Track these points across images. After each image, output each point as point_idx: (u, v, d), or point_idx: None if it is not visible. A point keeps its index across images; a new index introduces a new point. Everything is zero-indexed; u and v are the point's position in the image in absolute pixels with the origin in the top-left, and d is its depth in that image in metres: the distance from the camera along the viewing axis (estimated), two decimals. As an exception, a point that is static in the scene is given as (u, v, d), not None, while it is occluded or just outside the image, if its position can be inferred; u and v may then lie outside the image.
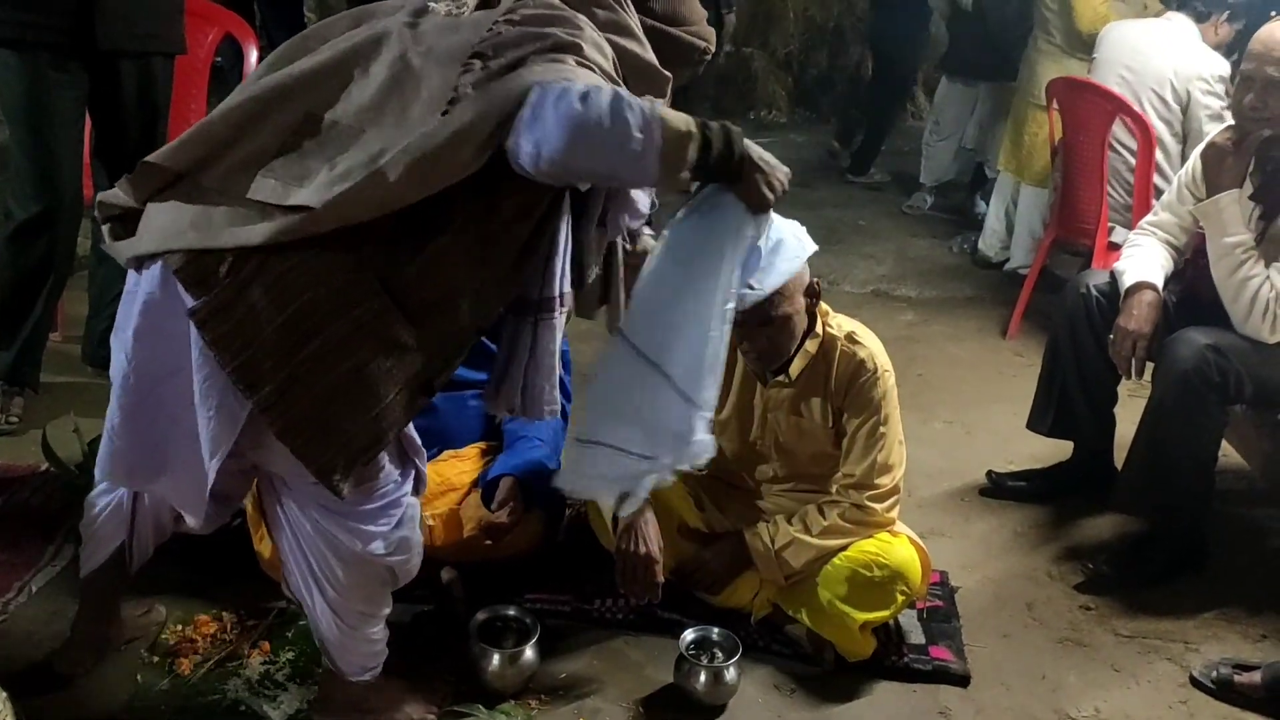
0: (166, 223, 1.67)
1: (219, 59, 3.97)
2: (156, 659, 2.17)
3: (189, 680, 2.12)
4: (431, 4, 1.77)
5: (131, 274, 1.76)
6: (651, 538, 2.23)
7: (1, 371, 2.94)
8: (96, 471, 1.94)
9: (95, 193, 2.98)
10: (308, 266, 1.62)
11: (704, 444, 1.76)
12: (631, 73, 1.77)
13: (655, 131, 1.57)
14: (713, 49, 1.92)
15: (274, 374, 1.62)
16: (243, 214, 1.63)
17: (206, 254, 1.63)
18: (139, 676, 2.13)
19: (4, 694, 1.83)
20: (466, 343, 1.82)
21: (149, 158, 1.71)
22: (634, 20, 1.80)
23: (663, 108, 1.63)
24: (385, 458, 1.80)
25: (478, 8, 1.75)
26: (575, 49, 1.67)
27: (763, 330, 2.22)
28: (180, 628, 2.24)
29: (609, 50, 1.74)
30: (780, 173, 1.74)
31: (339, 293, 1.63)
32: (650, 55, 1.80)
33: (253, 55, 3.51)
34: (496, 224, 1.70)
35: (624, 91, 1.62)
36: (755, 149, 1.70)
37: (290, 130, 1.67)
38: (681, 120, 1.62)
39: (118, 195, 1.76)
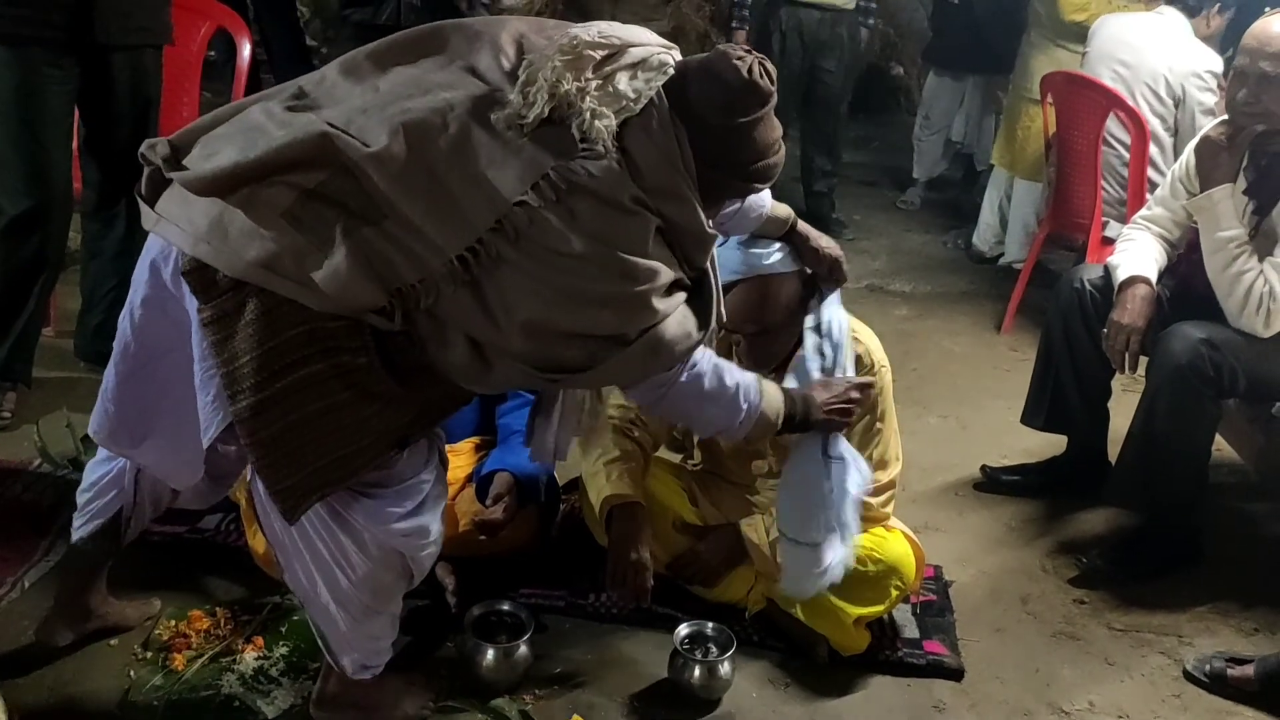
0: (184, 216, 1.65)
1: (212, 53, 3.97)
2: (150, 654, 2.17)
3: (183, 675, 2.12)
4: (500, 94, 1.66)
5: (153, 236, 1.75)
6: (643, 544, 2.22)
7: (-6, 367, 2.93)
8: (90, 429, 1.98)
9: (84, 188, 2.99)
10: (303, 305, 1.62)
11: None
12: (677, 235, 1.72)
13: (753, 420, 1.96)
14: (775, 178, 1.83)
15: (252, 393, 1.63)
16: (259, 239, 1.61)
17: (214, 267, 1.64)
18: (132, 672, 2.12)
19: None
20: (453, 410, 1.84)
21: (178, 177, 1.66)
22: (686, 183, 1.70)
23: (765, 394, 1.97)
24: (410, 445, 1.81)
25: (536, 126, 1.64)
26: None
27: (759, 338, 2.23)
28: (174, 623, 2.23)
29: (652, 221, 1.67)
30: (840, 399, 2.11)
31: (329, 334, 1.63)
32: (697, 217, 1.71)
33: (245, 49, 3.51)
34: None
35: (737, 379, 1.92)
36: (821, 396, 2.09)
37: (323, 177, 1.62)
38: (774, 407, 1.99)
39: (158, 153, 1.72)
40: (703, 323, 1.78)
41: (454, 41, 1.74)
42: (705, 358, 1.87)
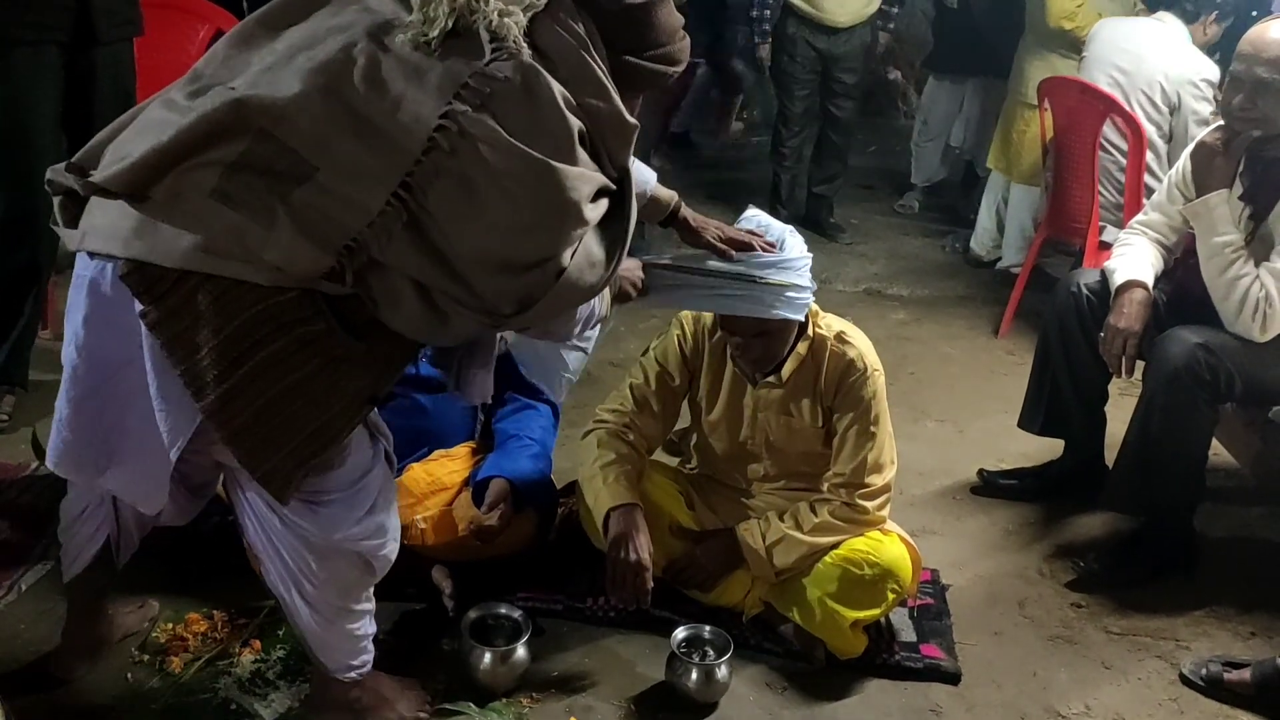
0: (110, 224, 1.62)
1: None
2: (147, 657, 2.17)
3: (180, 678, 2.12)
4: (398, 19, 1.64)
5: (81, 257, 1.71)
6: (642, 545, 2.23)
7: (-10, 370, 2.93)
8: (48, 462, 1.87)
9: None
10: (253, 284, 1.60)
11: None
12: (599, 127, 1.70)
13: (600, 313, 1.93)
14: (685, 64, 1.84)
15: (219, 383, 1.61)
16: (190, 232, 1.58)
17: (152, 263, 1.60)
18: (129, 675, 2.12)
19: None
20: (415, 355, 1.82)
21: (96, 178, 1.62)
22: (600, 67, 1.69)
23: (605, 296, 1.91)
24: (352, 443, 1.78)
25: (443, 40, 1.62)
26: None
27: (758, 340, 2.23)
28: (171, 626, 2.23)
29: (574, 123, 1.65)
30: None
31: (283, 309, 1.61)
32: (615, 104, 1.70)
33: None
34: None
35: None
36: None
37: (243, 146, 1.58)
38: (606, 302, 1.94)
39: (65, 177, 1.70)
40: (621, 234, 1.75)
41: None
42: None
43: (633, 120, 1.74)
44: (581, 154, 1.66)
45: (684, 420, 2.55)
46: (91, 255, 1.68)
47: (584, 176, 1.65)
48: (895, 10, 5.31)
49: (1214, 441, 2.79)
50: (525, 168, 1.60)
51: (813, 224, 5.25)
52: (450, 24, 1.59)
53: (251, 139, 1.57)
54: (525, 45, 1.62)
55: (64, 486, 2.00)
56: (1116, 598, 2.64)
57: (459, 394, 2.00)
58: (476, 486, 2.41)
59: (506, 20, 1.60)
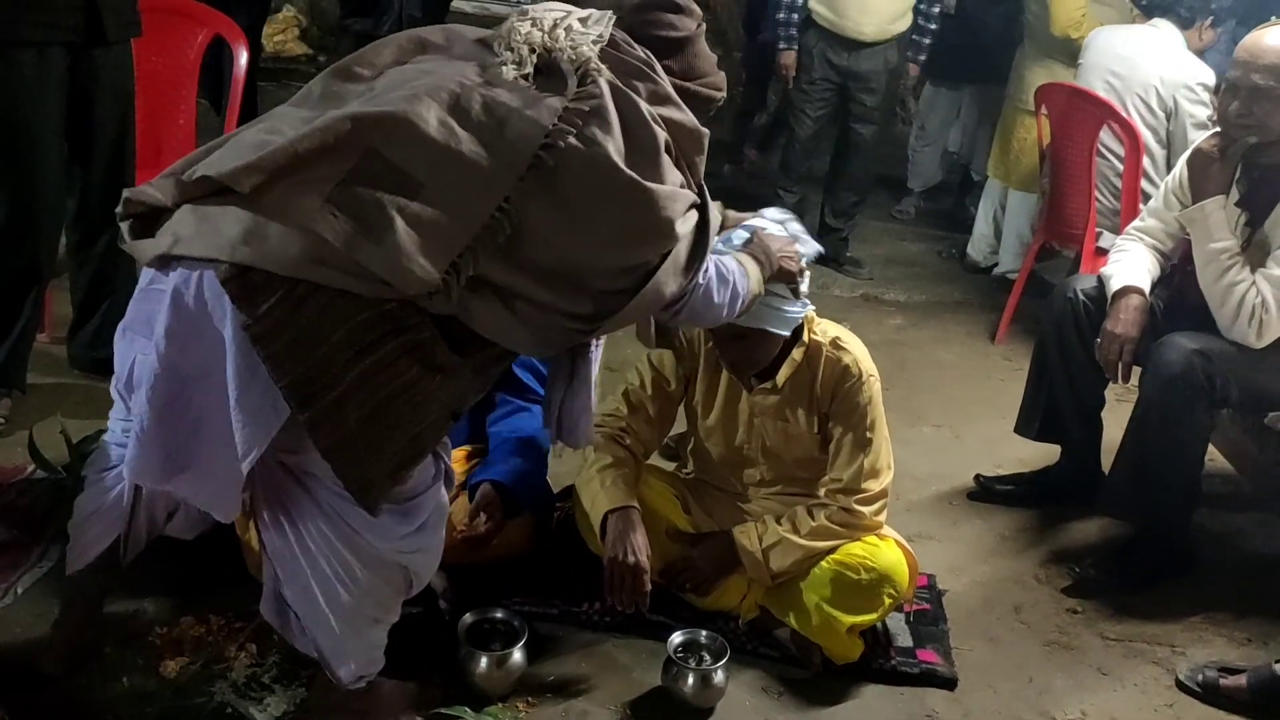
0: (214, 230, 1.63)
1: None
2: (142, 661, 2.16)
3: (175, 683, 2.11)
4: (497, 58, 1.78)
5: (151, 274, 1.73)
6: (640, 548, 2.23)
7: (-12, 373, 2.93)
8: (125, 471, 1.90)
9: (69, 195, 2.97)
10: (360, 294, 1.64)
11: None
12: (678, 138, 1.82)
13: (749, 297, 2.02)
14: (725, 94, 2.00)
15: (327, 392, 1.63)
16: (303, 234, 1.61)
17: (258, 269, 1.61)
18: (124, 679, 2.12)
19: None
20: (499, 371, 1.87)
21: (210, 172, 1.65)
22: (668, 85, 1.84)
23: (747, 269, 2.02)
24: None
25: (534, 75, 1.76)
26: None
27: (735, 344, 2.23)
28: (166, 630, 2.23)
29: (663, 134, 1.78)
30: (787, 247, 2.17)
31: (390, 317, 1.65)
32: (688, 115, 1.85)
33: (243, 57, 3.51)
34: None
35: (729, 268, 1.96)
36: (775, 244, 2.14)
37: (352, 163, 1.64)
38: (755, 274, 2.03)
39: (149, 193, 1.72)
40: (704, 242, 1.86)
41: (429, 41, 1.86)
42: (710, 261, 1.93)
43: (704, 129, 1.88)
44: (669, 164, 1.79)
45: (680, 425, 2.56)
46: (167, 264, 1.68)
47: (675, 195, 1.78)
48: (927, 42, 4.81)
49: (1210, 447, 2.80)
50: (622, 186, 1.71)
51: (827, 259, 4.77)
52: (534, 61, 1.74)
53: (361, 157, 1.64)
54: (605, 69, 1.76)
55: (61, 491, 2.00)
56: (1113, 603, 2.64)
57: (561, 441, 2.06)
58: (472, 491, 2.41)
59: (582, 49, 1.77)
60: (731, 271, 1.99)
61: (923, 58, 4.90)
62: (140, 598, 2.28)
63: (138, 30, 2.93)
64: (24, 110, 2.71)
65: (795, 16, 4.64)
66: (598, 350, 2.01)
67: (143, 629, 2.23)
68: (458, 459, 2.54)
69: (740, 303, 2.01)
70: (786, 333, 2.22)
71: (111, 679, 2.11)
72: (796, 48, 4.68)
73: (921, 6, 4.71)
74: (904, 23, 4.61)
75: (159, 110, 3.11)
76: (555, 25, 1.79)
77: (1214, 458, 3.14)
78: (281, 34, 6.97)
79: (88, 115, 2.85)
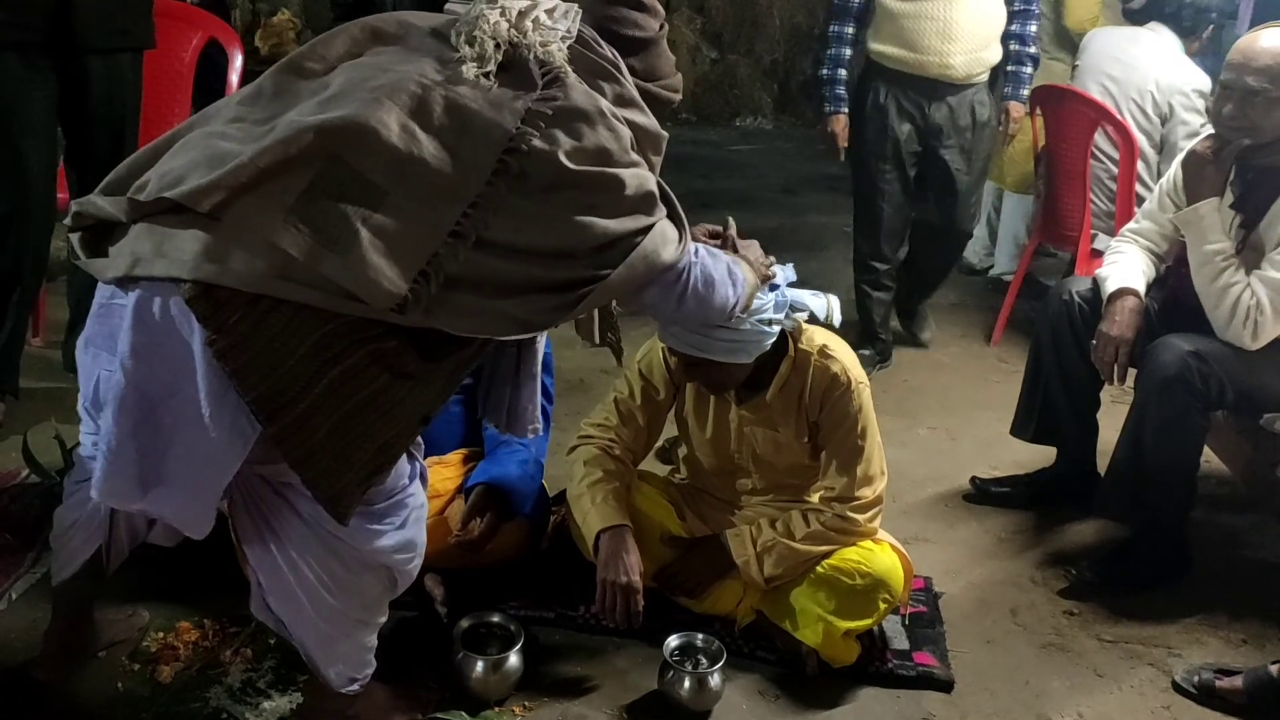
0: (175, 249, 1.60)
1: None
2: (138, 666, 2.16)
3: (170, 688, 2.11)
4: (456, 53, 1.73)
5: (111, 289, 1.69)
6: (633, 567, 2.22)
7: (-22, 377, 2.92)
8: (94, 493, 1.82)
9: (70, 198, 2.97)
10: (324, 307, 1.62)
11: None
12: (639, 140, 1.82)
13: (747, 287, 2.02)
14: (680, 98, 2.01)
15: (295, 404, 1.61)
16: (266, 249, 1.57)
17: (222, 286, 1.58)
18: (120, 684, 2.11)
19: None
20: (467, 373, 1.84)
21: (170, 194, 1.61)
22: (632, 87, 1.84)
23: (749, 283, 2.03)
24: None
25: (498, 73, 1.73)
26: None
27: (695, 367, 2.21)
28: (162, 635, 2.23)
29: (626, 132, 1.77)
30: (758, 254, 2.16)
31: (357, 326, 1.63)
32: (651, 118, 1.85)
33: (238, 60, 3.51)
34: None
35: (725, 260, 1.97)
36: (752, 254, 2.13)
37: (314, 174, 1.61)
38: (754, 284, 2.05)
39: (99, 206, 1.68)
40: (681, 217, 1.88)
41: (382, 31, 1.82)
42: (701, 250, 1.94)
43: (663, 131, 1.88)
44: (636, 157, 1.79)
45: (673, 428, 2.55)
46: (126, 284, 1.63)
47: (641, 175, 1.78)
48: (1029, 70, 3.76)
49: (1205, 449, 2.80)
50: (592, 180, 1.70)
51: (905, 338, 4.17)
52: (499, 58, 1.71)
53: (322, 166, 1.61)
54: (571, 70, 1.74)
55: (55, 496, 1.99)
56: (1109, 605, 2.64)
57: (510, 431, 2.08)
58: (467, 494, 2.41)
59: (550, 48, 1.74)
60: (719, 254, 1.99)
61: (1025, 91, 3.81)
62: (136, 602, 2.28)
63: (135, 40, 2.90)
64: (6, 113, 2.69)
65: (842, 72, 3.72)
66: (543, 341, 2.02)
67: (138, 635, 2.23)
68: (454, 462, 2.54)
69: (741, 286, 1.99)
70: (735, 359, 2.15)
71: (107, 684, 2.11)
72: (847, 110, 3.76)
73: (1014, 28, 3.70)
74: (995, 51, 3.69)
75: (153, 115, 3.09)
76: (522, 17, 1.75)
77: (1209, 459, 3.14)
78: (277, 37, 6.98)
79: (82, 123, 2.84)
